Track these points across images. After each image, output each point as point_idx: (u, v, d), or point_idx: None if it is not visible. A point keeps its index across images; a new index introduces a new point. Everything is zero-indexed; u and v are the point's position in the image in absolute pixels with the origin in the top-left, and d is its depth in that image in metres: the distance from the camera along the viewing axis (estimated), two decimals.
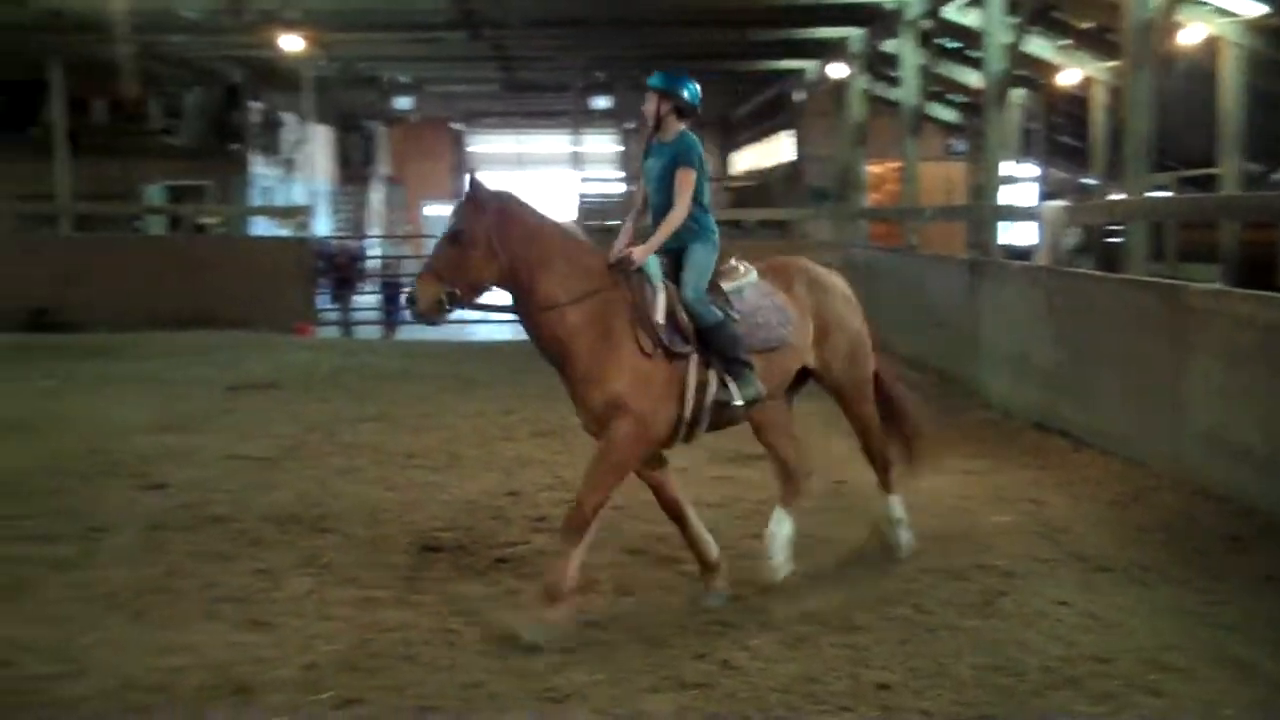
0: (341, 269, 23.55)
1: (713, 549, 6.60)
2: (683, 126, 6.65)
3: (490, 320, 23.00)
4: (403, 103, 33.81)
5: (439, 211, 40.26)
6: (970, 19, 17.92)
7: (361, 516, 8.09)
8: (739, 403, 6.34)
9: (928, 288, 15.62)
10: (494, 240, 6.12)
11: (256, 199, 29.63)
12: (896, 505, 7.19)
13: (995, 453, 10.14)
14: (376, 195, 38.72)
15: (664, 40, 24.09)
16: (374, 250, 27.53)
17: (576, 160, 26.53)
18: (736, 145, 38.63)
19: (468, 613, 6.24)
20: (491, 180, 6.42)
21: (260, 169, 30.10)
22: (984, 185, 16.21)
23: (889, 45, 20.74)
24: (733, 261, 6.67)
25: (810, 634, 5.93)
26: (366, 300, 24.72)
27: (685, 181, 6.45)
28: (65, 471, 9.28)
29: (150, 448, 10.20)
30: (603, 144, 39.68)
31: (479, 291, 6.25)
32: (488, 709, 5.14)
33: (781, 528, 6.84)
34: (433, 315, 6.15)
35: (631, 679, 5.42)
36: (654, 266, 6.36)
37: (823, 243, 21.55)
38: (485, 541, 7.53)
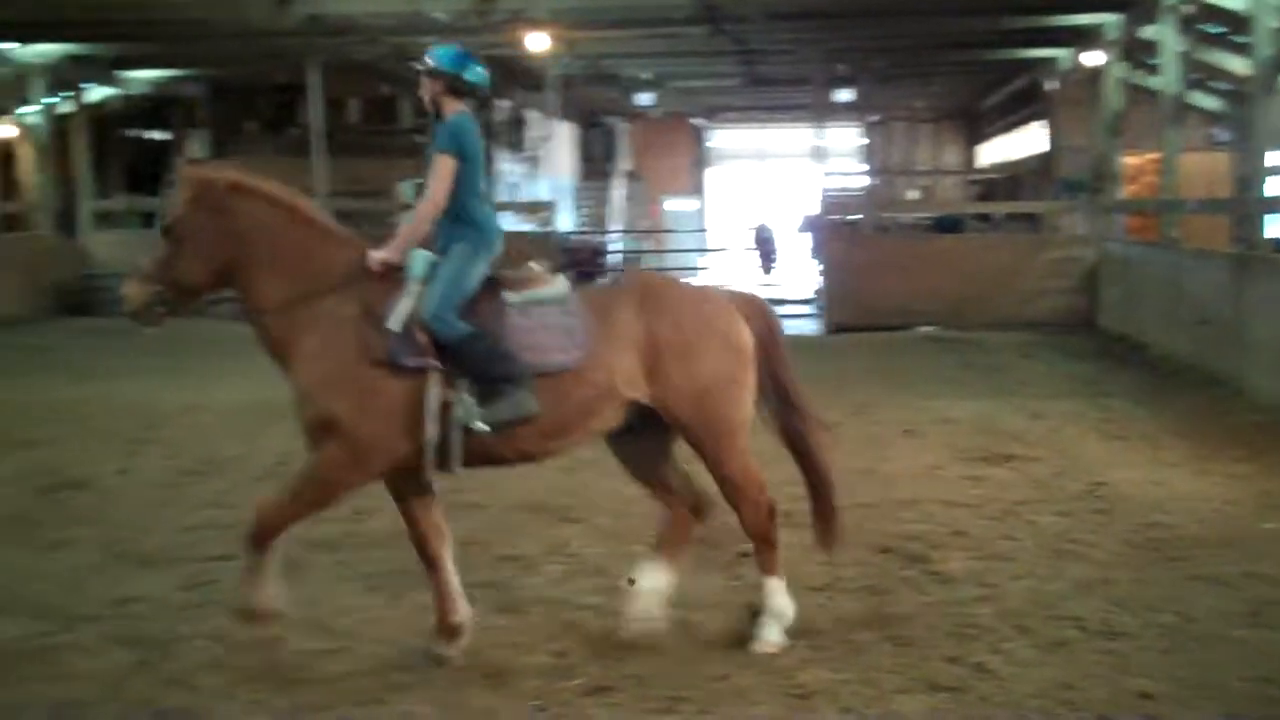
0: (584, 263, 23.91)
1: (460, 610, 5.69)
2: (461, 108, 5.81)
3: None
4: (644, 99, 34.09)
5: (680, 206, 40.52)
6: (1236, 2, 17.09)
7: (608, 508, 8.17)
8: (481, 426, 5.39)
9: (1188, 284, 15.00)
10: (208, 235, 5.53)
11: (503, 195, 30.31)
12: (775, 590, 5.83)
13: (1263, 456, 9.64)
14: (618, 190, 39.16)
15: (908, 30, 23.66)
16: (615, 245, 27.86)
17: (819, 154, 26.30)
18: (984, 137, 37.73)
19: (712, 605, 6.23)
20: (209, 166, 6.06)
21: (506, 165, 30.78)
22: (1250, 176, 15.43)
23: (1147, 31, 19.95)
24: (535, 268, 5.83)
25: (1068, 639, 5.74)
26: None
27: (439, 169, 5.65)
28: None
29: None
30: (846, 137, 39.28)
31: (193, 294, 5.70)
32: (735, 702, 5.13)
33: (650, 580, 5.86)
34: (146, 319, 5.65)
35: (880, 679, 5.33)
36: (417, 267, 5.56)
37: (1076, 237, 20.93)
38: (729, 535, 7.48)
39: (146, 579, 6.55)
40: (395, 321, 5.39)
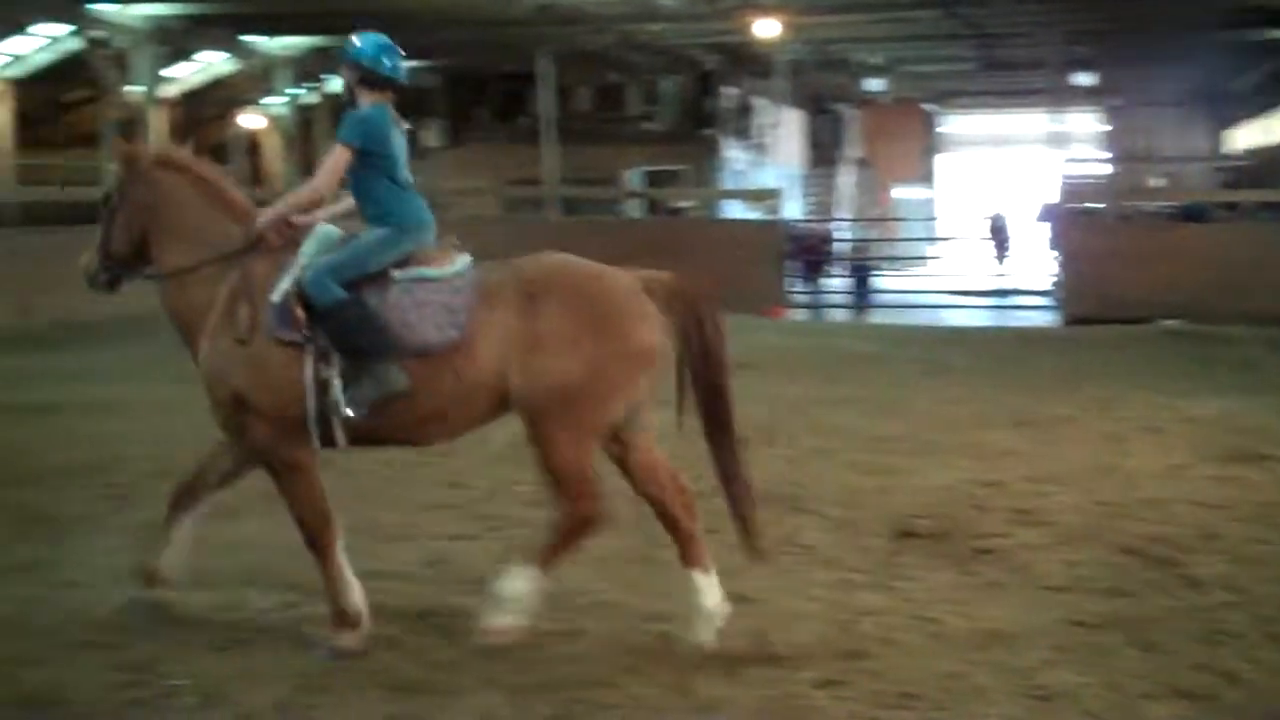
0: (812, 251, 23.74)
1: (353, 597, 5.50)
2: (377, 99, 5.80)
3: (967, 305, 22.65)
4: (874, 84, 33.68)
5: (910, 194, 39.84)
6: None
7: (837, 498, 8.07)
8: (345, 409, 5.33)
9: None
10: (130, 206, 5.74)
11: (729, 182, 30.30)
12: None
13: None
14: (846, 178, 38.78)
15: (1152, 11, 22.83)
16: (843, 233, 27.58)
17: (1057, 140, 25.54)
18: (1233, 121, 36.09)
19: (948, 601, 6.09)
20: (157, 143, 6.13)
21: (733, 153, 30.76)
22: None
23: None
24: (451, 251, 5.76)
25: None
26: (836, 283, 24.79)
27: (330, 157, 5.69)
28: None
29: None
30: (1086, 122, 38.07)
31: (127, 263, 5.83)
32: (972, 701, 5.00)
33: (512, 584, 5.49)
34: (94, 286, 5.90)
35: (1125, 684, 5.12)
36: (313, 242, 5.57)
37: None
38: (964, 531, 7.34)
39: (387, 555, 6.72)
40: (277, 293, 5.42)
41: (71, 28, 20.23)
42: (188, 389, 12.16)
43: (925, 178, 41.55)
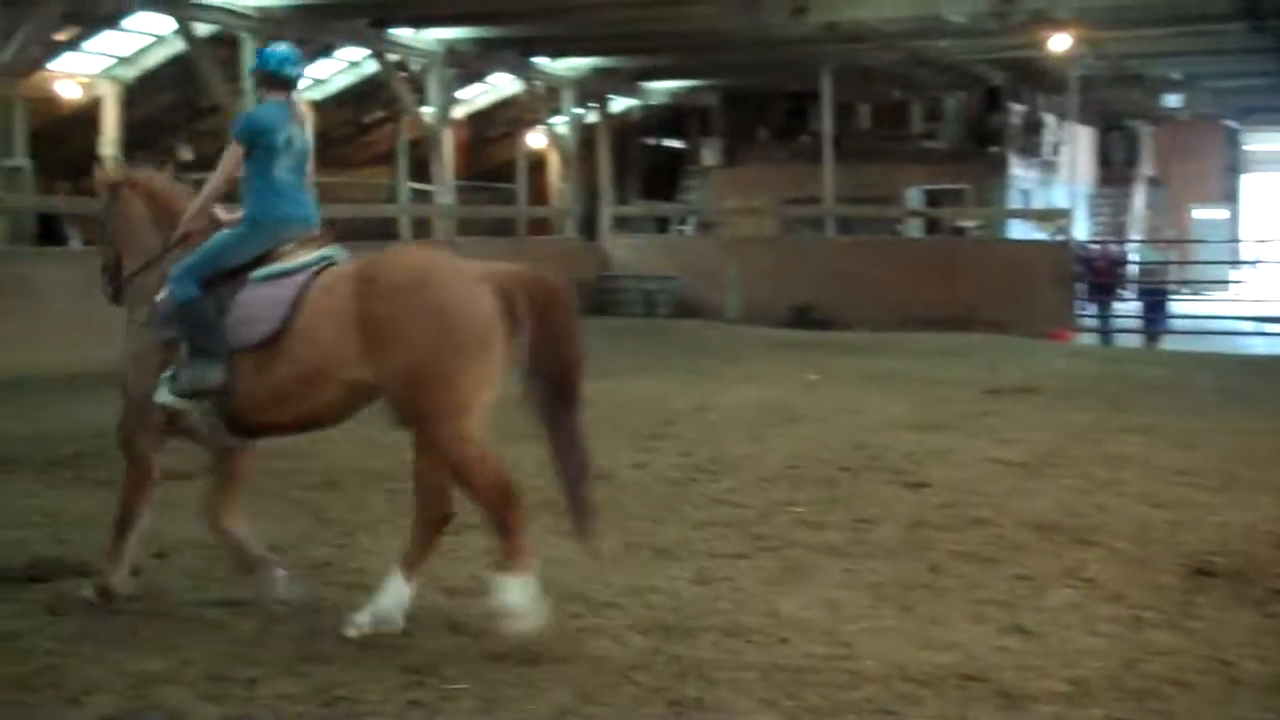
0: (1102, 274, 22.90)
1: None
2: (275, 97, 6.16)
3: (1271, 333, 21.47)
4: (1171, 100, 32.28)
5: (1209, 215, 38.02)
6: None
7: (1127, 531, 7.71)
8: (163, 398, 5.76)
9: None
10: (107, 225, 6.38)
11: (1015, 202, 29.51)
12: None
13: None
14: (1138, 198, 37.30)
15: None
16: (1136, 255, 26.53)
17: None
18: None
19: (1245, 644, 5.73)
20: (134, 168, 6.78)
21: (1018, 171, 29.95)
22: None
23: None
24: (315, 245, 5.96)
25: None
26: (1128, 306, 23.87)
27: (224, 156, 6.07)
28: (833, 462, 9.67)
29: (911, 445, 10.38)
30: None
31: (114, 277, 6.35)
32: None
33: (512, 592, 5.46)
34: (106, 298, 6.46)
35: None
36: (208, 244, 5.94)
37: None
38: (1264, 570, 6.91)
39: (661, 570, 6.75)
40: (162, 292, 5.90)
41: (369, 52, 21.17)
42: None
43: (1226, 198, 39.53)
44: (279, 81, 6.18)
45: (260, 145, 5.99)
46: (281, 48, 6.30)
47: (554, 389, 5.74)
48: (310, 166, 6.32)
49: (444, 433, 5.57)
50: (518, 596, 5.45)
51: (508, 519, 5.53)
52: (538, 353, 5.66)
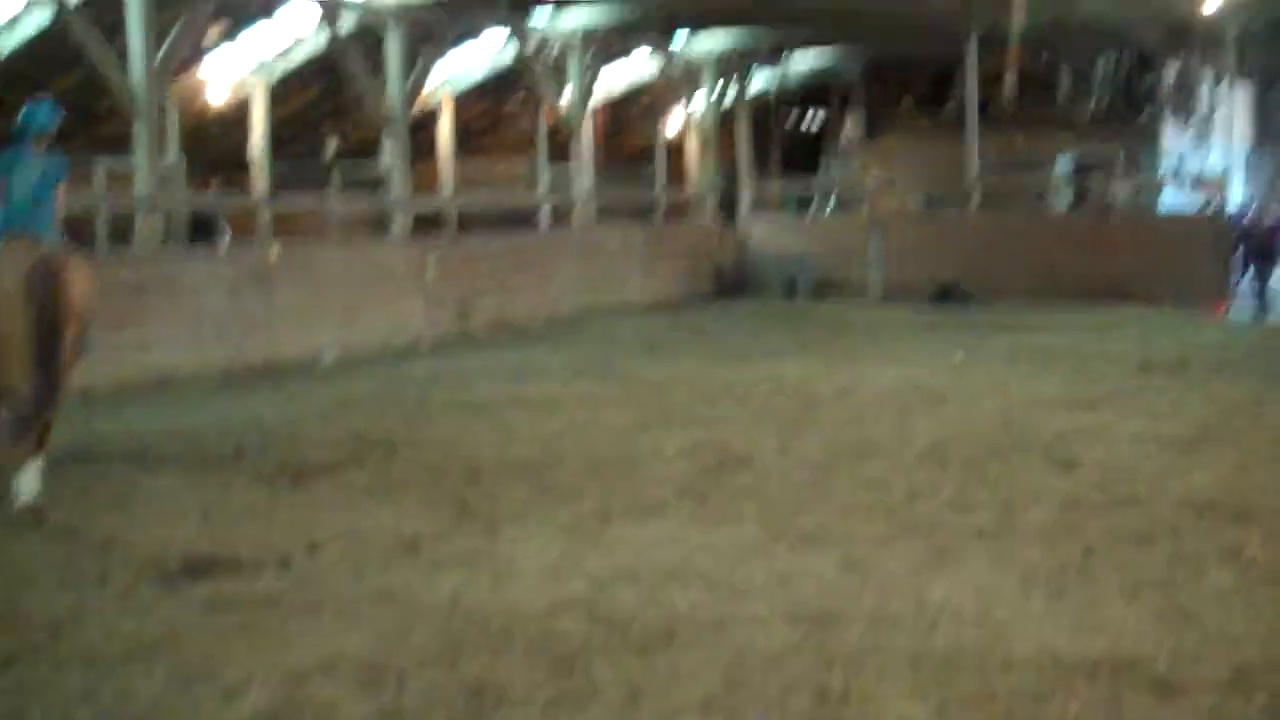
0: (1261, 240, 22.12)
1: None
2: (25, 146, 8.20)
3: None
4: None
5: None
6: None
7: None
8: None
9: None
10: None
11: (1169, 165, 28.66)
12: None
13: None
14: None
15: None
16: None
17: None
18: None
19: None
20: None
21: (1172, 135, 29.07)
22: None
23: None
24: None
25: None
26: None
27: None
28: (980, 443, 9.51)
29: (1061, 423, 10.17)
30: None
31: None
32: None
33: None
34: None
35: None
36: None
37: None
38: None
39: (806, 557, 6.69)
40: None
41: (509, 37, 21.31)
42: (617, 385, 12.63)
43: None
44: (31, 135, 8.17)
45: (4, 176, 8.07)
46: (43, 107, 8.24)
47: (42, 330, 7.68)
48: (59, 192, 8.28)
49: None
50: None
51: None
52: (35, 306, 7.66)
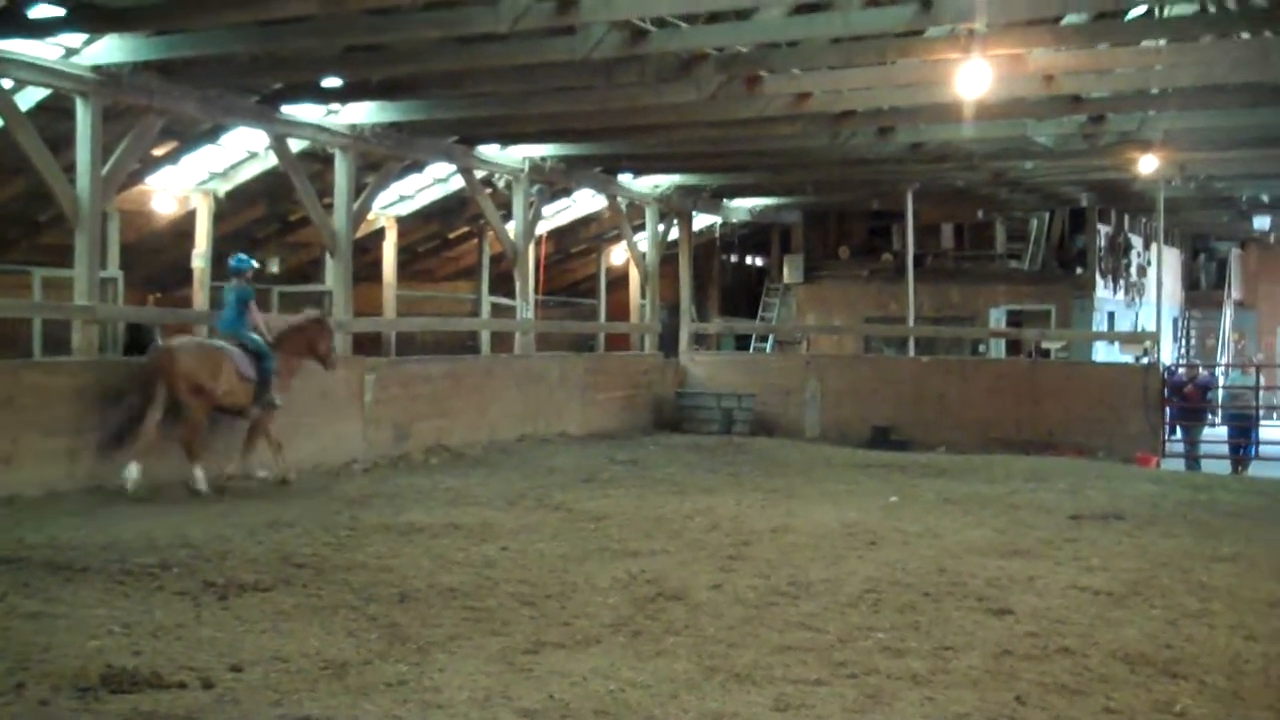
0: (1189, 398, 22.55)
1: None
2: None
3: None
4: (1261, 223, 31.99)
5: None
6: None
7: (1219, 665, 7.48)
8: None
9: None
10: None
11: (1100, 324, 29.26)
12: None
13: None
14: (1226, 321, 36.84)
15: None
16: (1223, 379, 26.11)
17: None
18: None
19: None
20: None
21: (1104, 293, 29.72)
22: None
23: None
24: None
25: None
26: (1214, 433, 23.44)
27: None
28: (914, 587, 9.49)
29: (994, 571, 10.17)
30: None
31: None
32: None
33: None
34: None
35: None
36: None
37: None
38: None
39: (739, 695, 6.61)
40: None
41: (455, 168, 21.51)
42: (552, 514, 12.54)
43: None
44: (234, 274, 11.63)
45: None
46: (235, 261, 11.54)
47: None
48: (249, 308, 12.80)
49: None
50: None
51: None
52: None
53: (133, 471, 13.02)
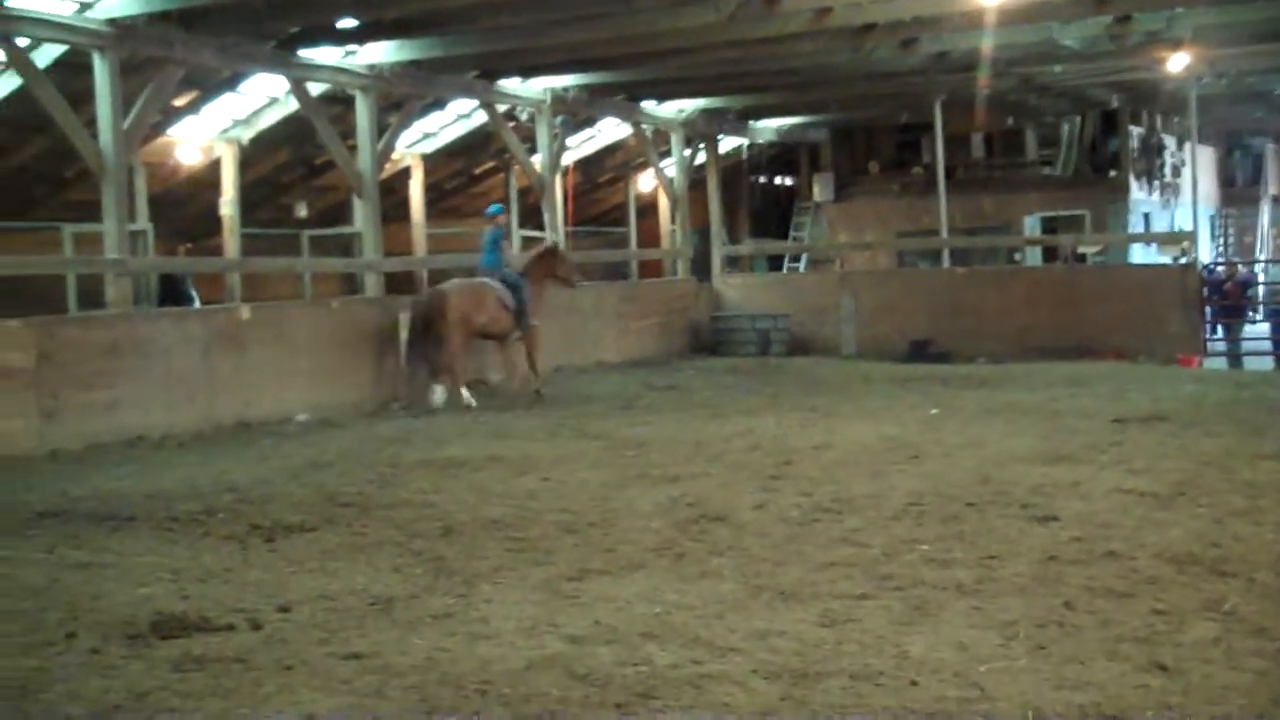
0: (1228, 296, 22.32)
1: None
2: None
3: None
4: None
5: None
6: None
7: (1267, 562, 7.43)
8: None
9: None
10: None
11: (1135, 226, 28.95)
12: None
13: None
14: (1264, 217, 36.39)
15: None
16: (1262, 275, 25.84)
17: None
18: None
19: None
20: None
21: (1139, 195, 29.37)
22: None
23: None
24: None
25: None
26: (1256, 329, 23.21)
27: None
28: (957, 498, 9.46)
29: (1038, 478, 10.13)
30: None
31: None
32: None
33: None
34: None
35: None
36: None
37: None
38: None
39: (785, 613, 6.61)
40: None
41: (478, 103, 21.38)
42: (592, 443, 12.57)
43: None
44: (489, 218, 12.36)
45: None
46: (492, 209, 11.77)
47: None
48: (503, 246, 13.09)
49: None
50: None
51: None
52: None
53: (438, 393, 15.88)
